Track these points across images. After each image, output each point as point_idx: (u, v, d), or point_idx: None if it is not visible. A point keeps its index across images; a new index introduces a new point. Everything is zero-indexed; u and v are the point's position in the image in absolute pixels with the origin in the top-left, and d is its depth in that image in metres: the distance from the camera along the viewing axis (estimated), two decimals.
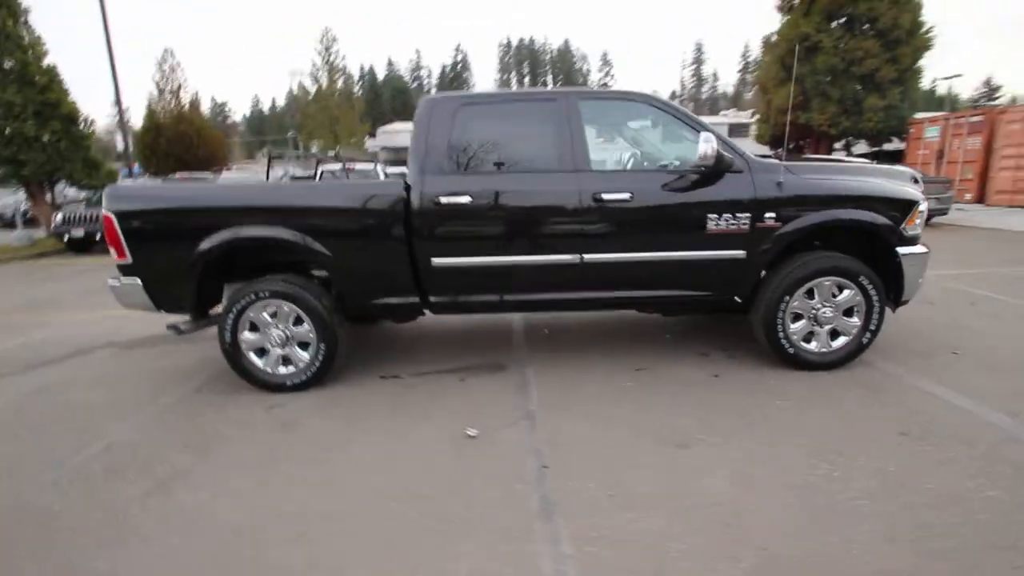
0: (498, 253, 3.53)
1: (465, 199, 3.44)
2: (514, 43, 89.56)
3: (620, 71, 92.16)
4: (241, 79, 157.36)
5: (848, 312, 3.57)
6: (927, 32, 15.71)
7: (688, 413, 3.14)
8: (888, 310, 3.65)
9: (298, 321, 3.55)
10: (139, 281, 3.54)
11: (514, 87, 78.89)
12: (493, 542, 2.13)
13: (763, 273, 3.59)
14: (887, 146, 16.93)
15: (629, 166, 4.11)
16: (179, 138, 24.62)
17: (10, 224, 14.62)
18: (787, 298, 3.51)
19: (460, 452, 2.82)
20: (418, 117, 3.61)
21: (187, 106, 27.14)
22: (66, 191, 15.40)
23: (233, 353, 3.56)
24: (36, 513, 2.43)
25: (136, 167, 21.23)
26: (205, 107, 31.78)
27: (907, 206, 3.55)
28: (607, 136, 4.19)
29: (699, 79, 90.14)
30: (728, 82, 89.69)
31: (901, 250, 3.52)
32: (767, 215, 3.44)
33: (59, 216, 11.69)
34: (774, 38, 17.93)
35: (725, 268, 3.53)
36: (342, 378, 3.79)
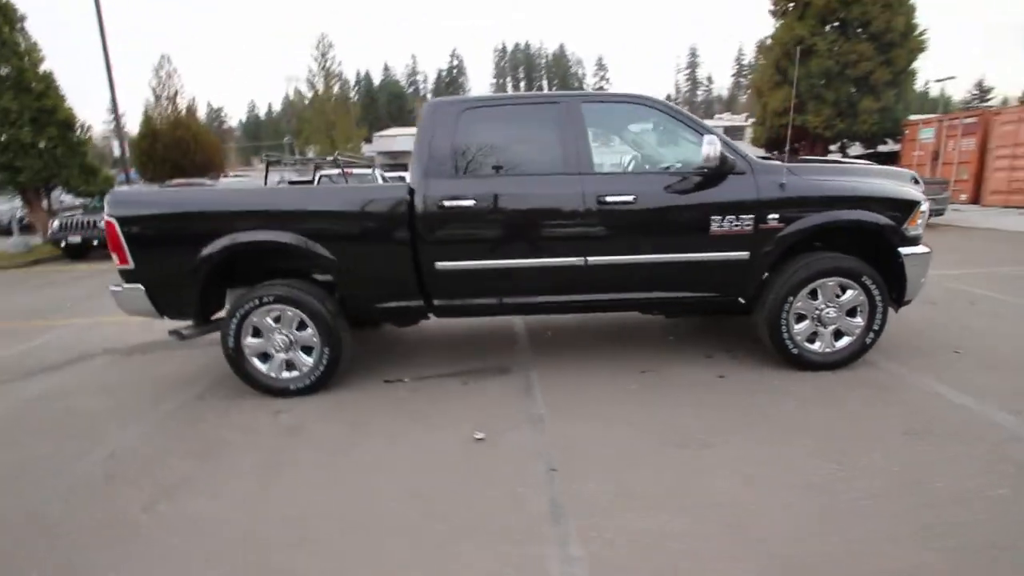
0: (501, 256, 3.53)
1: (469, 202, 3.44)
2: (509, 48, 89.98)
3: (615, 75, 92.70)
4: (237, 84, 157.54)
5: (851, 312, 3.58)
6: (920, 35, 15.82)
7: (694, 414, 3.15)
8: (891, 310, 3.66)
9: (302, 326, 3.54)
10: (141, 287, 3.53)
11: (510, 91, 79.09)
12: (502, 545, 2.12)
13: (766, 274, 3.61)
14: (882, 148, 17.00)
15: (632, 168, 4.12)
16: (176, 144, 24.60)
17: (6, 231, 14.55)
18: (791, 299, 3.52)
19: (467, 455, 2.81)
20: (422, 121, 3.62)
21: (184, 112, 27.11)
22: (61, 198, 15.35)
23: (236, 358, 3.54)
24: (41, 521, 2.41)
25: (133, 173, 21.16)
26: (201, 113, 31.69)
27: (909, 206, 3.57)
28: (610, 139, 4.20)
29: (694, 83, 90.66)
30: (723, 86, 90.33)
31: (903, 250, 3.54)
32: (770, 216, 3.45)
33: (56, 222, 11.65)
34: (769, 42, 18.04)
35: (729, 269, 3.54)
36: (345, 383, 3.78)
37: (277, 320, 3.53)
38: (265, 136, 75.49)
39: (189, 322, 3.73)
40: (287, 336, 3.55)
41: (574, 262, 3.51)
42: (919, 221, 3.61)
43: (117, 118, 14.76)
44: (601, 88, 78.85)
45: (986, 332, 4.39)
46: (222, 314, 3.74)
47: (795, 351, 3.60)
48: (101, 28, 13.44)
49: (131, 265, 3.49)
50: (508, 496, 2.44)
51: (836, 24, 16.01)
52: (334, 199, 3.71)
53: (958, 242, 9.23)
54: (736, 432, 2.92)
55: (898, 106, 16.09)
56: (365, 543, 2.17)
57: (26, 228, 14.00)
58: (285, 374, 3.61)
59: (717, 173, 3.42)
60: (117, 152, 15.23)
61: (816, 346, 3.64)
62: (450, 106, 3.65)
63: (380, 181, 10.03)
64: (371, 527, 2.27)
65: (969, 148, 14.66)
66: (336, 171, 10.13)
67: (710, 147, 3.24)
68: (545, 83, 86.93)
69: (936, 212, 11.04)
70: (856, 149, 17.57)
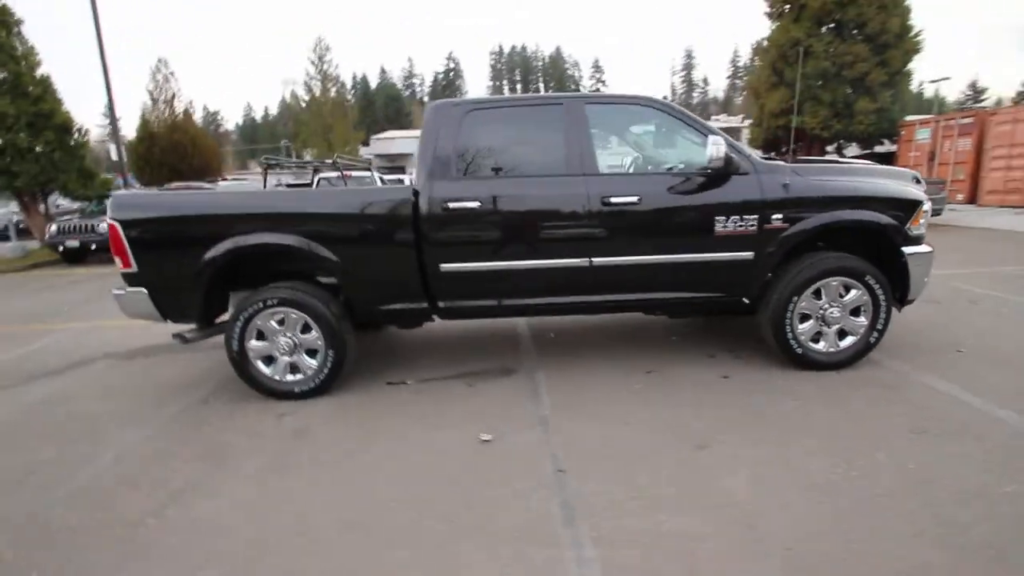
0: (505, 258, 3.52)
1: (473, 204, 3.44)
2: (506, 50, 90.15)
3: (611, 77, 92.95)
4: (233, 87, 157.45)
5: (855, 312, 3.59)
6: (916, 36, 15.92)
7: (700, 414, 3.15)
8: (894, 309, 3.67)
9: (306, 328, 3.53)
10: (144, 290, 3.51)
11: (507, 93, 79.21)
12: (515, 548, 2.11)
13: (770, 274, 3.61)
14: (878, 148, 17.09)
15: (635, 169, 4.13)
16: (173, 148, 24.44)
17: (3, 236, 14.49)
18: (795, 298, 3.52)
19: (475, 458, 2.81)
20: (426, 123, 3.61)
21: (181, 115, 27.00)
22: (58, 202, 15.29)
23: (240, 361, 3.53)
24: (50, 528, 2.39)
25: (130, 177, 21.06)
26: (198, 116, 31.58)
27: (911, 206, 3.58)
28: (614, 140, 4.21)
29: (689, 84, 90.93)
30: (718, 87, 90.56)
31: (906, 250, 3.55)
32: (774, 216, 3.46)
33: (53, 226, 11.61)
34: (765, 44, 18.12)
35: (733, 270, 3.54)
36: (348, 385, 3.77)
37: (281, 323, 3.52)
38: (262, 139, 75.41)
39: (192, 325, 3.71)
40: (291, 339, 3.53)
41: (578, 263, 3.51)
42: (922, 220, 3.63)
43: (114, 121, 14.69)
44: (597, 90, 79.04)
45: (988, 331, 4.41)
46: (225, 317, 3.73)
47: (799, 351, 3.60)
48: (98, 32, 13.40)
49: (134, 268, 3.47)
50: (519, 497, 2.43)
51: (832, 26, 16.10)
52: (338, 201, 3.71)
53: (956, 242, 9.28)
54: (741, 432, 2.92)
55: (894, 107, 16.18)
56: (372, 546, 2.16)
57: (23, 232, 13.93)
58: (289, 377, 3.60)
59: (721, 174, 3.43)
60: (114, 156, 15.13)
61: (820, 346, 3.64)
62: (454, 108, 3.65)
63: (379, 184, 10.02)
64: (379, 530, 2.26)
65: (965, 148, 14.75)
66: (335, 174, 10.14)
67: (715, 148, 3.25)
68: (542, 85, 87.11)
69: (934, 212, 11.11)
70: (853, 150, 17.65)
